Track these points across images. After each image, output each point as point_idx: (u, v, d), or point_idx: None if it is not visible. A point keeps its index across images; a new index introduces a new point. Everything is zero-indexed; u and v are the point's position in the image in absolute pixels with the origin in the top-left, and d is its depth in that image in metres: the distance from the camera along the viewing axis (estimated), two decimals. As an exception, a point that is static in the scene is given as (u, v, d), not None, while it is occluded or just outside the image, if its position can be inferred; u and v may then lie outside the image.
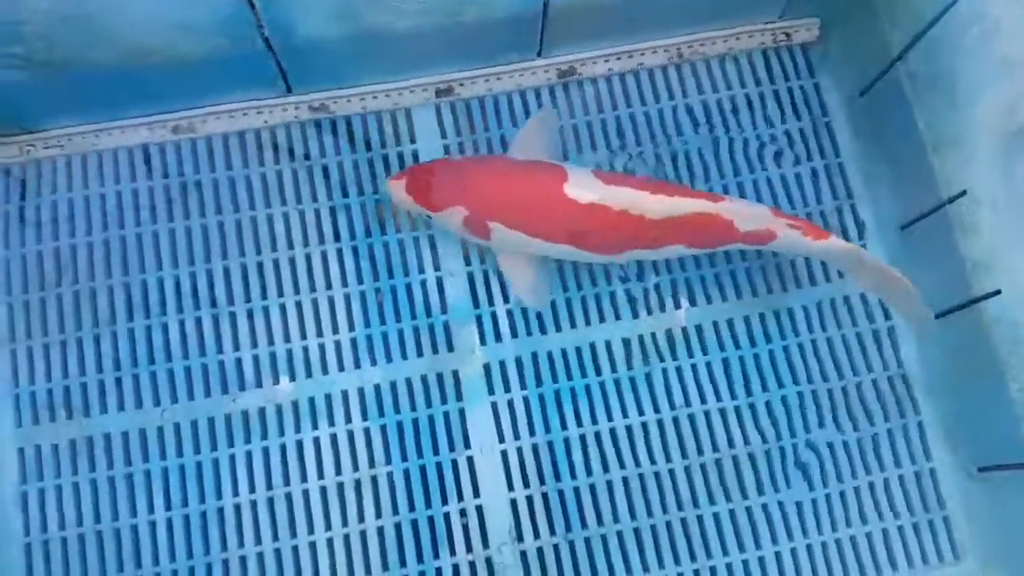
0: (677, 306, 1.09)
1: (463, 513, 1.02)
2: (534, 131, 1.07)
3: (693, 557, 1.01)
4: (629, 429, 1.05)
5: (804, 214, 1.13)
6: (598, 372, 1.06)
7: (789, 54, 1.19)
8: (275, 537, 1.00)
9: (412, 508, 1.02)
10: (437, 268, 1.09)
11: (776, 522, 1.03)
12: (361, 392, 1.05)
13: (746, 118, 1.16)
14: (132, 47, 0.95)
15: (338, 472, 1.02)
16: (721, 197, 0.99)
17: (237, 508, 1.00)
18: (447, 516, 1.02)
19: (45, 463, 1.01)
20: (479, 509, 1.02)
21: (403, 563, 1.00)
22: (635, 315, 1.08)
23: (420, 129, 1.13)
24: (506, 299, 1.08)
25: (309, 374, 1.05)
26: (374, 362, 1.06)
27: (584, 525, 1.02)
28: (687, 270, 1.10)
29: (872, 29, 1.09)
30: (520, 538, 1.01)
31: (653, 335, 1.08)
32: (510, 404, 1.05)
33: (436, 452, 1.04)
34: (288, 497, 1.01)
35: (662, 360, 1.07)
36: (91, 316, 1.05)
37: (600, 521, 1.02)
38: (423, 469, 1.03)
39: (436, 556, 1.01)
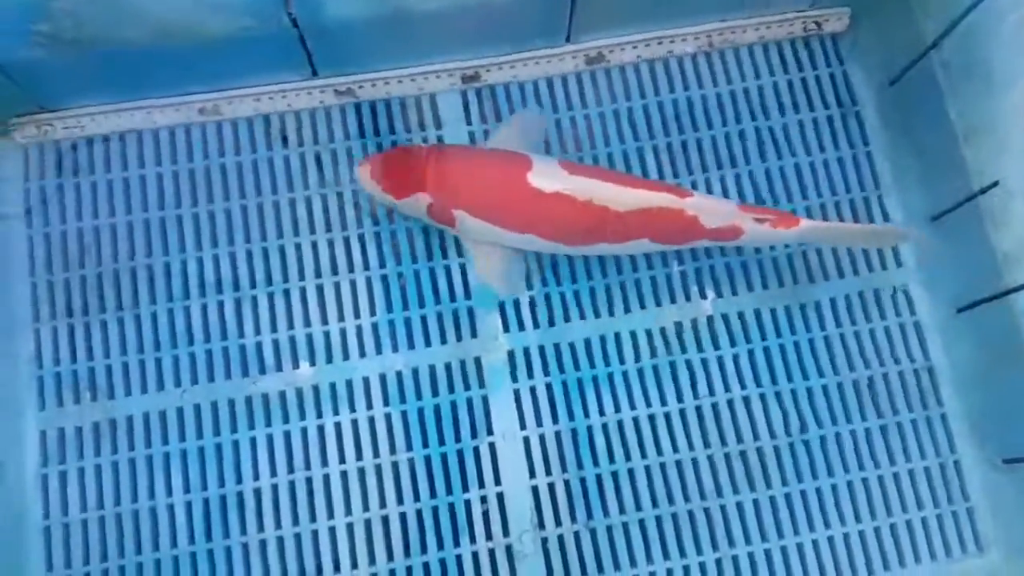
0: (703, 296, 1.08)
1: (484, 500, 1.01)
2: (515, 127, 1.07)
3: (715, 547, 1.01)
4: (652, 418, 1.04)
5: (832, 204, 1.12)
6: (622, 361, 1.05)
7: (819, 43, 1.18)
8: (295, 522, 1.00)
9: (433, 495, 1.01)
10: (460, 254, 1.08)
11: (799, 513, 1.02)
12: (383, 378, 1.04)
13: (774, 107, 1.15)
14: (160, 25, 0.95)
15: (359, 457, 1.02)
16: (688, 192, 0.98)
17: (257, 492, 1.00)
18: (468, 503, 1.01)
19: (68, 446, 1.01)
20: (500, 496, 1.01)
21: (424, 550, 1.00)
22: (659, 304, 1.07)
23: (445, 115, 1.12)
24: (529, 286, 1.08)
25: (330, 359, 1.04)
26: (396, 348, 1.05)
27: (606, 513, 1.01)
28: (713, 259, 1.09)
29: (904, 18, 1.08)
30: (541, 526, 1.01)
31: (678, 324, 1.07)
32: (533, 391, 1.04)
33: (458, 439, 1.03)
34: (308, 481, 1.01)
35: (685, 351, 1.06)
36: (114, 298, 1.04)
37: (622, 510, 1.01)
38: (444, 456, 1.02)
39: (456, 544, 1.00)
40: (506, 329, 1.06)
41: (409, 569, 0.99)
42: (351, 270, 1.07)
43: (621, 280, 1.08)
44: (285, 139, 1.10)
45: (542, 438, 1.03)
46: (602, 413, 1.04)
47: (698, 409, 1.04)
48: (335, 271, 1.07)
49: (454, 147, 1.04)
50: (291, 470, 1.01)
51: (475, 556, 1.00)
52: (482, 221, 0.99)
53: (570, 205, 0.96)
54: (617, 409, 1.04)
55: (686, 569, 1.00)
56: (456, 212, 0.99)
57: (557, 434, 1.03)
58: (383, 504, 1.01)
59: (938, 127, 1.05)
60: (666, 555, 1.00)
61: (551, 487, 1.02)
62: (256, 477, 1.00)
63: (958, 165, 1.02)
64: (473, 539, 1.00)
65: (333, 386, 1.03)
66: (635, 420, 1.04)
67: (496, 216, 0.99)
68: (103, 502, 0.99)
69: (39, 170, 1.08)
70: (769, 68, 1.16)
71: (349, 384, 1.04)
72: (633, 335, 1.06)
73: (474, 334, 1.06)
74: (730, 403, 1.04)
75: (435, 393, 1.04)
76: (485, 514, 1.01)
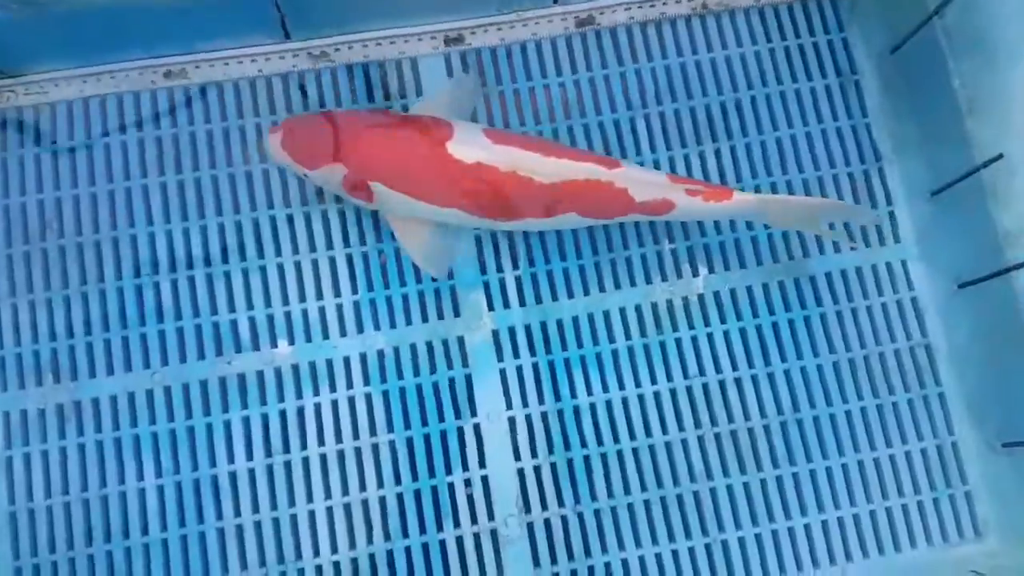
0: (695, 273, 1.04)
1: (468, 483, 0.98)
2: (445, 94, 1.01)
3: (705, 531, 0.98)
4: (641, 398, 1.00)
5: (831, 177, 1.07)
6: (611, 340, 1.02)
7: (818, 7, 1.12)
8: (273, 506, 0.96)
9: (415, 477, 0.98)
10: (443, 229, 1.04)
11: (790, 496, 1.00)
12: (363, 357, 1.00)
13: (771, 74, 1.10)
14: (121, -17, 0.89)
15: (339, 440, 0.98)
16: (617, 163, 0.94)
17: (233, 476, 0.96)
18: (451, 486, 0.98)
19: (31, 428, 0.96)
20: (484, 479, 0.98)
21: (406, 534, 0.97)
22: (649, 281, 1.03)
23: (427, 80, 1.07)
24: (515, 264, 1.03)
25: (309, 338, 1.00)
26: (377, 327, 1.01)
27: (593, 497, 0.98)
28: (706, 235, 1.04)
29: (907, -20, 1.03)
30: (527, 509, 0.98)
31: (669, 302, 1.03)
32: (519, 371, 1.01)
33: (441, 419, 0.99)
34: (287, 465, 0.97)
35: (676, 329, 1.02)
36: (78, 273, 0.99)
37: (610, 493, 0.98)
38: (427, 438, 0.99)
39: (440, 528, 0.97)
40: (491, 307, 1.02)
41: (390, 554, 0.96)
42: (330, 247, 1.02)
43: (611, 257, 1.04)
44: (256, 105, 1.05)
45: (528, 419, 1.00)
46: (590, 393, 1.00)
47: (688, 389, 1.01)
48: (313, 247, 1.02)
49: (371, 113, 0.98)
50: (268, 453, 0.97)
51: (459, 540, 0.97)
52: (400, 194, 0.93)
53: (494, 176, 0.91)
54: (605, 389, 1.00)
55: (675, 554, 0.97)
56: (372, 185, 0.93)
57: (544, 415, 1.00)
58: (363, 487, 0.97)
59: (941, 98, 1.00)
60: (655, 540, 0.98)
61: (537, 470, 0.99)
62: (231, 460, 0.97)
63: (961, 137, 0.98)
64: (457, 523, 0.97)
65: (313, 365, 0.99)
66: (623, 400, 1.00)
67: (415, 189, 0.93)
68: (69, 487, 0.95)
69: (0, 139, 1.02)
70: (765, 33, 1.11)
71: (329, 364, 0.99)
72: (622, 313, 1.02)
73: (457, 313, 1.02)
74: (721, 383, 1.01)
75: (417, 373, 1.00)
76: (470, 498, 0.98)
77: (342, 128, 0.92)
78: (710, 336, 1.02)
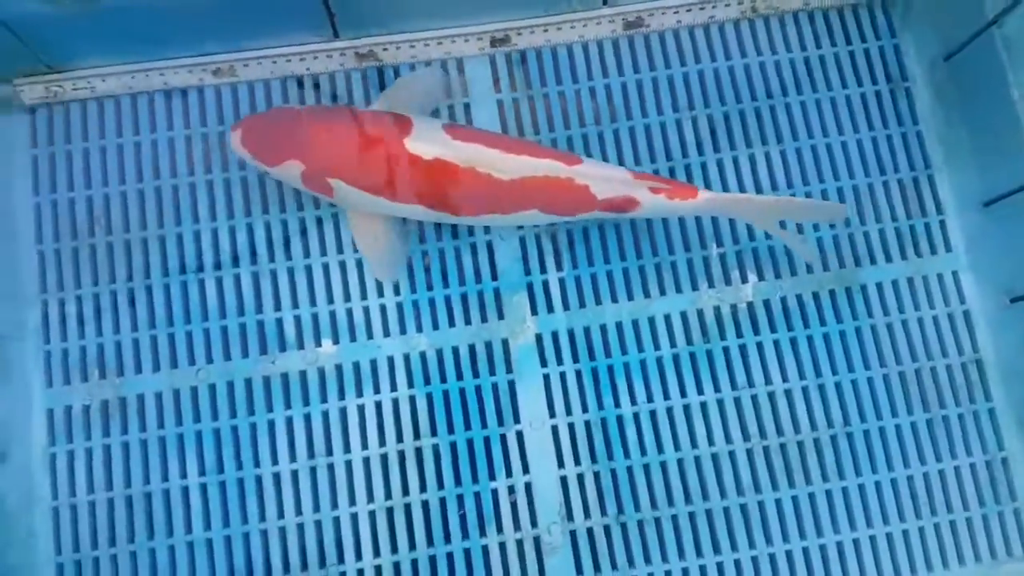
0: (744, 280, 1.02)
1: (511, 490, 0.97)
2: (408, 87, 1.00)
3: (752, 544, 0.97)
4: (687, 409, 0.99)
5: (880, 184, 1.06)
6: (656, 347, 1.00)
7: (868, 12, 1.11)
8: (316, 508, 0.95)
9: (458, 482, 0.97)
10: (487, 231, 1.03)
11: (839, 510, 0.98)
12: (407, 359, 0.99)
13: (820, 79, 1.08)
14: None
15: (382, 442, 0.97)
16: (578, 159, 0.93)
17: (276, 476, 0.96)
18: (495, 492, 0.97)
19: (75, 425, 0.96)
20: (528, 486, 0.97)
21: (448, 539, 0.96)
22: (696, 287, 1.02)
23: (473, 81, 1.06)
24: (559, 267, 1.02)
25: (353, 338, 0.99)
26: (420, 328, 1.00)
27: (637, 507, 0.97)
28: (756, 241, 1.03)
29: (961, -13, 1.01)
30: (570, 518, 0.97)
31: (716, 309, 1.01)
32: (562, 377, 1.00)
33: (484, 424, 0.98)
34: (330, 467, 0.96)
35: (724, 338, 1.01)
36: (125, 270, 0.99)
37: (654, 504, 0.97)
38: (470, 442, 0.98)
39: (483, 533, 0.96)
40: (534, 311, 1.01)
41: (433, 559, 0.95)
42: (374, 246, 1.02)
43: (656, 261, 1.02)
44: (303, 103, 1.04)
45: (571, 427, 0.99)
46: (634, 402, 0.99)
47: (736, 400, 0.99)
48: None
49: (330, 109, 0.97)
50: (311, 454, 0.96)
51: (502, 546, 0.96)
52: (360, 190, 0.92)
53: (453, 172, 0.91)
54: (650, 399, 0.99)
55: (720, 567, 0.96)
56: (331, 180, 0.92)
57: (587, 423, 0.99)
58: (406, 491, 0.96)
59: (997, 107, 0.98)
60: (699, 552, 0.96)
61: (580, 478, 0.97)
62: (275, 461, 0.96)
63: (1017, 149, 0.96)
64: (500, 529, 0.96)
65: (356, 365, 0.99)
66: (669, 411, 0.99)
67: (372, 185, 0.92)
68: (112, 483, 0.95)
69: (47, 133, 1.03)
70: (815, 37, 1.10)
71: (373, 364, 0.99)
72: (667, 319, 1.01)
73: (501, 316, 1.01)
74: (771, 395, 1.00)
75: (460, 376, 1.00)
76: (513, 504, 0.96)
77: (300, 124, 0.92)
78: (759, 345, 1.01)
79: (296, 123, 0.92)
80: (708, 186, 1.04)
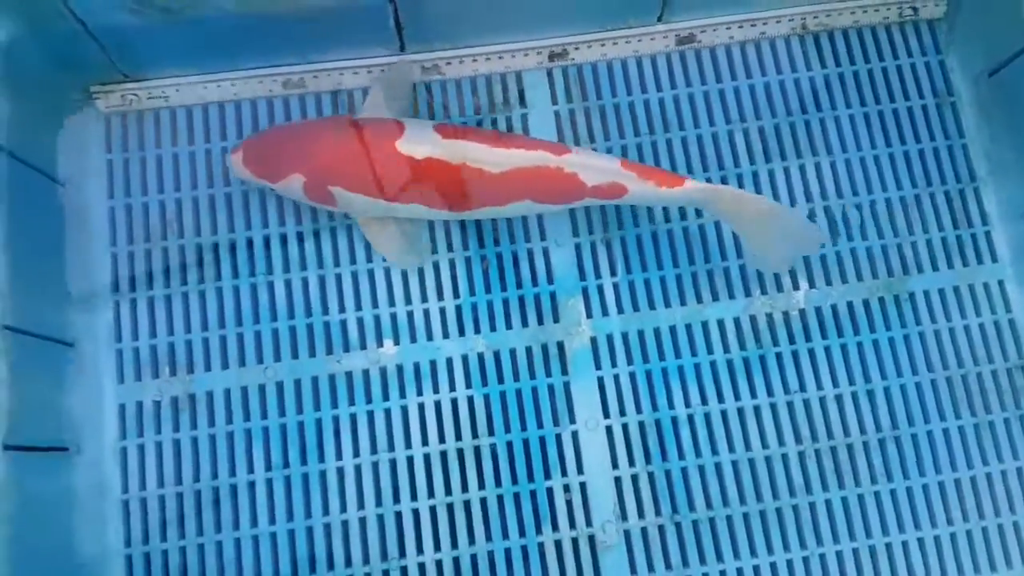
0: (795, 287, 1.05)
1: (567, 489, 0.99)
2: (381, 87, 1.03)
3: (803, 544, 0.99)
4: (741, 412, 1.02)
5: (927, 195, 1.08)
6: (709, 351, 1.03)
7: (915, 29, 1.14)
8: (378, 503, 0.98)
9: (515, 480, 1.00)
10: (543, 237, 1.06)
11: (888, 512, 1.00)
12: (465, 360, 1.02)
13: (868, 93, 1.11)
14: (254, -7, 0.93)
15: (441, 440, 1.00)
16: (566, 149, 0.96)
17: (340, 471, 0.99)
18: (550, 491, 0.99)
19: (146, 420, 1.00)
20: (583, 486, 1.00)
21: (505, 535, 0.98)
22: (748, 293, 1.05)
23: (531, 94, 1.10)
24: (613, 271, 1.05)
25: (414, 339, 1.03)
26: (478, 330, 1.03)
27: (691, 507, 0.99)
28: (807, 250, 1.06)
29: (1007, 6, 1.04)
30: (624, 517, 0.99)
31: (769, 316, 1.04)
32: (616, 380, 1.02)
33: (540, 425, 1.01)
34: (392, 463, 0.99)
35: (777, 343, 1.03)
36: (196, 271, 1.03)
37: (708, 504, 0.99)
38: (526, 442, 1.00)
39: (539, 531, 0.98)
40: (589, 315, 1.04)
41: (491, 554, 0.97)
42: (435, 251, 1.05)
43: (709, 268, 1.05)
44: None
45: (625, 428, 1.01)
46: (687, 405, 1.02)
47: (789, 404, 1.02)
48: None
49: (323, 120, 1.02)
50: (374, 450, 0.99)
51: (557, 544, 0.98)
52: (360, 195, 0.96)
53: (446, 170, 0.94)
54: (704, 401, 1.02)
55: (773, 567, 0.98)
56: (332, 189, 0.96)
57: (641, 424, 1.01)
58: (465, 488, 0.99)
59: (1043, 122, 1.01)
60: (753, 552, 0.98)
61: (635, 478, 1.00)
62: (339, 456, 0.99)
63: (1064, 164, 0.99)
64: (556, 527, 0.98)
65: (417, 366, 1.02)
66: (723, 413, 1.01)
67: (371, 188, 0.96)
68: (182, 478, 0.98)
69: (122, 140, 1.07)
70: (863, 54, 1.13)
71: (432, 364, 1.02)
72: (720, 325, 1.04)
73: (556, 319, 1.04)
74: (821, 399, 1.02)
75: (516, 377, 1.03)
76: (568, 503, 0.99)
77: (296, 139, 0.97)
78: (811, 351, 1.03)
79: (292, 138, 0.97)
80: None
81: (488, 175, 0.95)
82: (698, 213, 1.07)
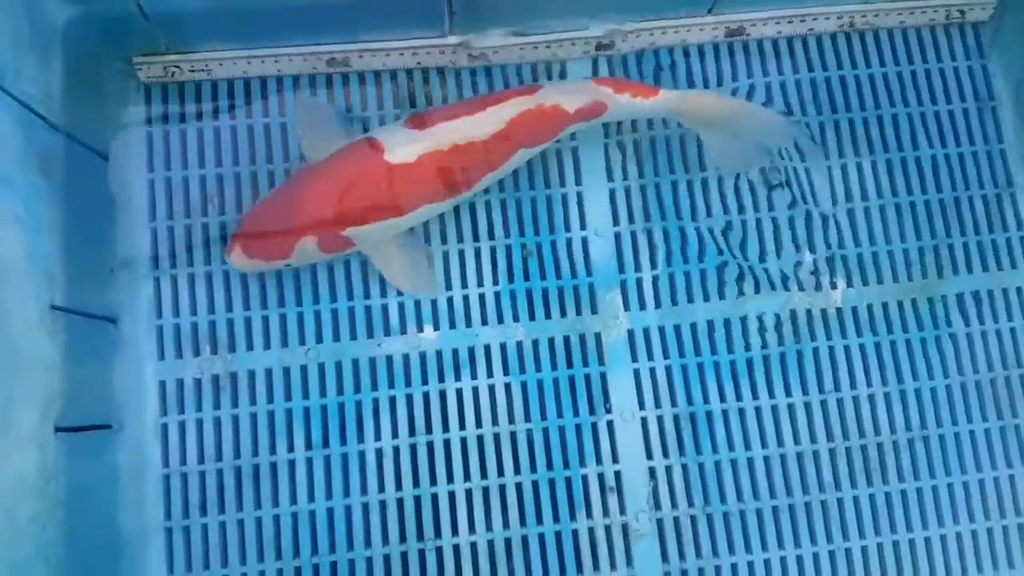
0: (833, 286, 1.06)
1: (601, 478, 1.01)
2: (311, 124, 1.00)
3: (830, 538, 1.01)
4: (775, 408, 1.03)
5: (966, 198, 1.10)
6: (747, 347, 1.04)
7: (959, 32, 1.14)
8: (415, 484, 0.99)
9: (550, 467, 1.01)
10: (583, 227, 1.06)
11: (913, 510, 1.02)
12: (503, 347, 1.03)
13: (911, 94, 1.12)
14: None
15: (478, 425, 1.01)
16: (535, 87, 0.97)
17: (379, 452, 1.00)
18: (585, 478, 1.01)
19: (187, 397, 1.00)
20: (617, 475, 1.01)
21: (540, 520, 1.00)
22: (787, 289, 1.06)
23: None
24: (653, 265, 1.06)
25: (453, 325, 1.03)
26: (517, 318, 1.04)
27: (723, 500, 1.01)
28: (845, 248, 1.07)
29: (1053, 12, 1.05)
30: (657, 507, 1.01)
31: (808, 312, 1.05)
32: (652, 372, 1.04)
33: (576, 413, 1.02)
34: (429, 445, 1.00)
35: (814, 339, 1.05)
36: (238, 250, 1.03)
37: (740, 497, 1.01)
38: (562, 430, 1.02)
39: (573, 517, 1.00)
40: (627, 307, 1.05)
41: (525, 539, 0.99)
42: (476, 238, 1.05)
43: (748, 264, 1.06)
44: (412, 97, 1.08)
45: (660, 420, 1.03)
46: (723, 399, 1.03)
47: (823, 403, 1.03)
48: (460, 239, 1.05)
49: (296, 176, 0.98)
50: (412, 433, 1.00)
51: (591, 531, 1.00)
52: (375, 224, 0.95)
53: (440, 159, 0.94)
54: (738, 396, 1.03)
55: (799, 559, 1.00)
56: (347, 232, 0.95)
57: (676, 417, 1.03)
58: (501, 472, 1.00)
59: (1086, 130, 1.02)
60: (781, 544, 1.00)
61: (668, 470, 1.01)
62: (377, 438, 1.00)
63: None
64: (589, 514, 1.00)
65: (455, 352, 1.02)
66: (757, 409, 1.03)
67: (383, 212, 0.95)
68: (222, 454, 0.99)
69: (162, 113, 1.06)
70: (908, 54, 1.13)
71: (471, 351, 1.03)
72: (760, 320, 1.05)
73: (594, 310, 1.05)
74: (855, 398, 1.04)
75: (554, 367, 1.03)
76: (602, 491, 1.01)
77: (285, 207, 0.95)
78: (846, 349, 1.05)
79: (281, 208, 0.95)
80: (801, 193, 1.08)
81: (480, 144, 0.95)
82: (739, 203, 1.07)
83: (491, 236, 1.06)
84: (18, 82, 0.85)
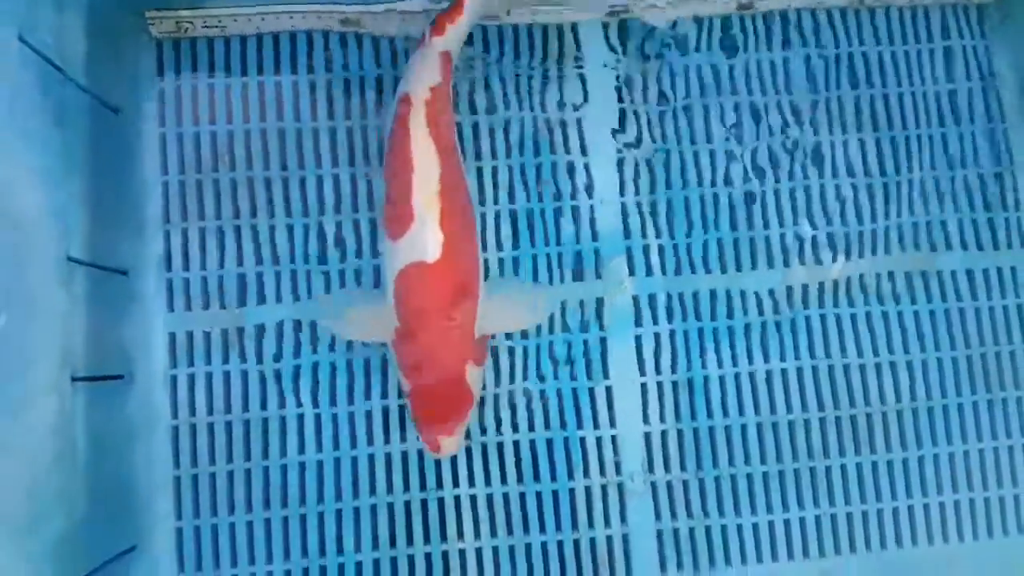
0: (834, 260, 1.08)
1: (599, 441, 1.04)
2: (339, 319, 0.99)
3: (817, 504, 1.04)
4: (769, 375, 1.06)
5: (962, 176, 1.12)
6: (745, 313, 1.07)
7: (964, 12, 1.15)
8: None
9: (548, 427, 1.04)
10: (590, 195, 1.08)
11: (898, 479, 1.05)
12: (507, 310, 1.05)
13: (916, 71, 1.13)
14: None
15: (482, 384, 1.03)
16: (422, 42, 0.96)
17: (385, 409, 1.02)
18: (583, 440, 1.04)
19: (196, 350, 1.02)
20: (614, 439, 1.04)
21: (537, 479, 1.03)
22: (787, 264, 1.08)
23: (587, 49, 1.10)
24: (658, 233, 1.08)
25: (459, 287, 1.05)
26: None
27: (715, 464, 1.04)
28: (848, 226, 1.09)
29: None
30: (651, 470, 1.04)
31: (805, 286, 1.08)
32: (656, 338, 1.06)
33: (574, 378, 1.05)
34: (433, 405, 1.03)
35: (808, 311, 1.07)
36: (248, 207, 1.04)
37: (732, 462, 1.04)
38: (559, 392, 1.04)
39: (571, 477, 1.03)
40: (632, 273, 1.07)
41: (522, 495, 1.02)
42: (482, 202, 1.07)
43: (751, 235, 1.08)
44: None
45: (659, 386, 1.05)
46: (720, 366, 1.06)
47: (814, 369, 1.06)
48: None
49: (406, 346, 0.92)
50: (417, 393, 1.03)
51: (587, 490, 1.03)
52: (466, 260, 0.94)
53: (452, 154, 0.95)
54: (735, 363, 1.06)
55: (786, 523, 1.04)
56: (478, 335, 0.93)
57: (674, 383, 1.05)
58: (499, 431, 1.03)
59: (1087, 113, 1.04)
60: (769, 508, 1.04)
61: (664, 434, 1.04)
62: (384, 396, 1.02)
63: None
64: (587, 474, 1.03)
65: (460, 315, 1.04)
66: (751, 375, 1.06)
67: (467, 244, 0.94)
68: (231, 407, 1.01)
69: (174, 68, 1.06)
70: (915, 32, 1.14)
71: (475, 314, 1.05)
72: (758, 292, 1.07)
73: (598, 275, 1.07)
74: (845, 367, 1.07)
75: (552, 330, 1.06)
76: (599, 453, 1.04)
77: (435, 355, 0.91)
78: (838, 318, 1.07)
79: (430, 379, 0.91)
80: (803, 169, 1.09)
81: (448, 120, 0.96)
82: (744, 175, 1.09)
83: (495, 201, 1.07)
84: (35, 34, 0.85)
